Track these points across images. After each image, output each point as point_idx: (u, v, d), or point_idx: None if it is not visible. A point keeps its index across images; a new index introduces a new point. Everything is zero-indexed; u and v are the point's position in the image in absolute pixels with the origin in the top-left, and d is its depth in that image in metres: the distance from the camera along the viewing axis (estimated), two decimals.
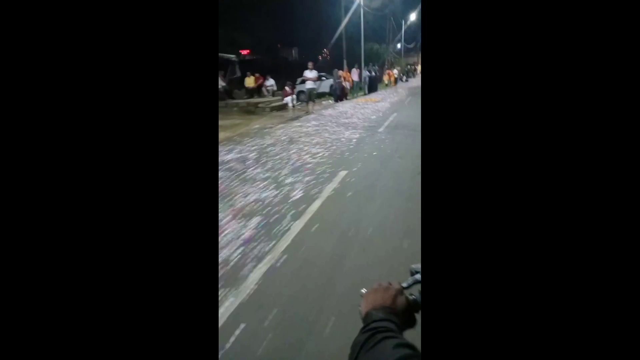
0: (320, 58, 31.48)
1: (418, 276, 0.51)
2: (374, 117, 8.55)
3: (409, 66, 30.15)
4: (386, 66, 24.21)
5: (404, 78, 25.37)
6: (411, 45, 38.59)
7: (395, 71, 22.20)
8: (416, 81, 25.35)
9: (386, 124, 7.38)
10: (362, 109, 9.90)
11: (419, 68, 39.33)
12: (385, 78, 20.91)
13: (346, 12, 14.84)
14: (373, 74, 16.13)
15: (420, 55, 47.45)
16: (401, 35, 32.81)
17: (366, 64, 17.37)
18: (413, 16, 32.46)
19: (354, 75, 14.25)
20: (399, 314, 0.45)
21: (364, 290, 0.51)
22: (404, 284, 0.51)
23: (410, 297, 0.48)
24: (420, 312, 0.47)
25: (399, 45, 34.97)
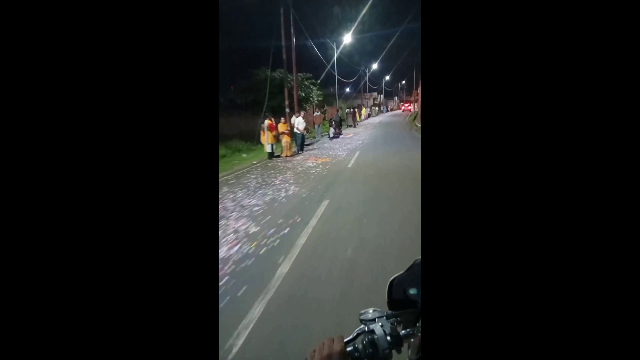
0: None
1: (361, 327, 0.56)
2: None
3: (340, 111, 17.35)
4: (288, 111, 10.91)
5: (332, 132, 12.30)
6: (350, 81, 26.83)
7: (298, 121, 8.97)
8: (352, 143, 12.09)
9: None
10: None
11: (364, 112, 26.95)
12: (265, 140, 7.55)
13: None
14: None
15: (363, 97, 35.69)
16: (334, 65, 20.45)
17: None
18: (348, 37, 20.38)
19: None
20: None
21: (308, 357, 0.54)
22: (347, 338, 0.55)
23: (355, 355, 0.53)
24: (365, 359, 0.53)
25: (347, 89, 22.92)
